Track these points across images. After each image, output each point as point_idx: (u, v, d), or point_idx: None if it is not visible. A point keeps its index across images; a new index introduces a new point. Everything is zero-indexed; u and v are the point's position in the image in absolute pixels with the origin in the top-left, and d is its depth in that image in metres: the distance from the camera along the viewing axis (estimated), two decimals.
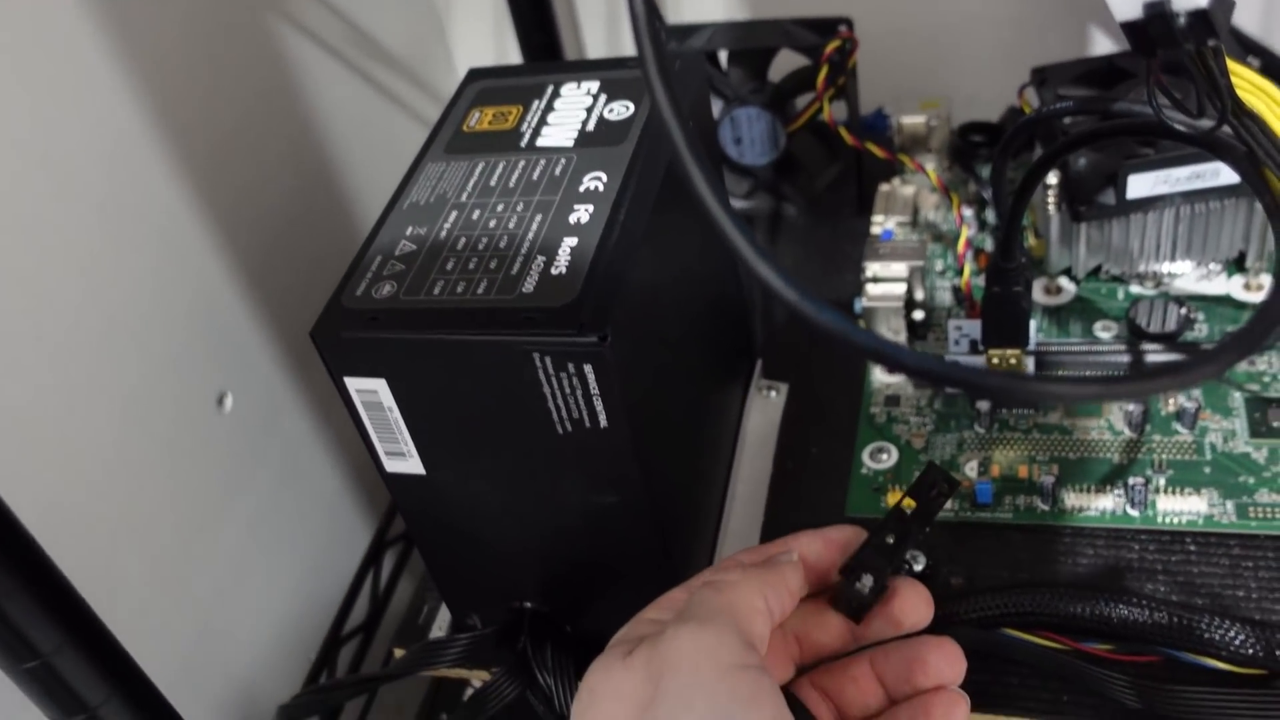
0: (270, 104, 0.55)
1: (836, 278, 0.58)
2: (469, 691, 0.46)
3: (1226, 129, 0.29)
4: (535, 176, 0.39)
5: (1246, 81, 0.31)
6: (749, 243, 0.24)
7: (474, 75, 0.46)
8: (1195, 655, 0.40)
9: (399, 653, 0.47)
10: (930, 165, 0.58)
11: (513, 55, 0.71)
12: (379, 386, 0.36)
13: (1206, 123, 0.29)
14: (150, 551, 0.47)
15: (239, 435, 0.54)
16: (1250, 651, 0.39)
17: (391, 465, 0.39)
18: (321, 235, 0.59)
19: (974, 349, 0.49)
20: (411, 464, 0.38)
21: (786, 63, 0.59)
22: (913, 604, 0.35)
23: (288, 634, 0.56)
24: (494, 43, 0.74)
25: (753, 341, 0.55)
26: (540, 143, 0.41)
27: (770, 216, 0.63)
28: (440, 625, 0.48)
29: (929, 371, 0.22)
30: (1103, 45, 0.65)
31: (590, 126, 0.41)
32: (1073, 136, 0.41)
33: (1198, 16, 0.28)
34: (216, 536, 0.52)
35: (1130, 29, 0.30)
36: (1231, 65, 0.29)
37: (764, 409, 0.52)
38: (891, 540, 0.35)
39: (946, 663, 0.34)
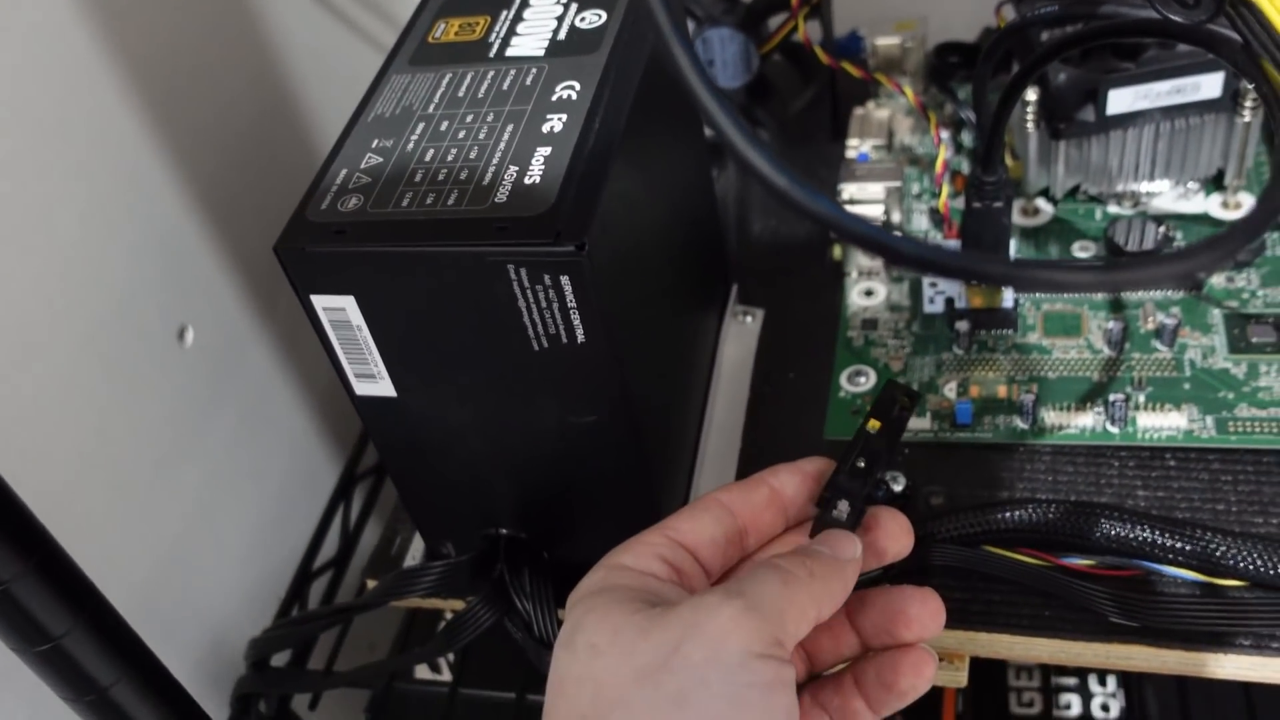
0: (226, 28, 0.53)
1: None
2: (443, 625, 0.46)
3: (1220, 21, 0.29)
4: (505, 86, 0.38)
5: None
6: (737, 128, 0.22)
7: None
8: (1175, 568, 0.40)
9: (372, 585, 0.47)
10: (906, 87, 0.57)
11: None
12: (347, 304, 0.35)
13: (1201, 14, 0.28)
14: (113, 488, 0.46)
15: (201, 369, 0.52)
16: (1230, 563, 0.39)
17: (361, 388, 0.38)
18: (282, 164, 0.57)
19: None
20: (382, 386, 0.37)
21: None
22: (894, 534, 0.34)
23: (256, 571, 0.55)
24: None
25: (728, 267, 0.54)
26: (510, 52, 0.39)
27: None
28: (414, 556, 0.47)
29: (926, 260, 0.22)
30: None
31: (561, 35, 0.39)
32: (1059, 40, 0.40)
33: None
34: (181, 472, 0.50)
35: None
36: None
37: (740, 335, 0.52)
38: (863, 464, 0.34)
39: (929, 614, 0.33)
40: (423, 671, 0.54)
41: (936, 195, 0.53)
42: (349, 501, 0.56)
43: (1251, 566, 0.38)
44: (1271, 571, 0.38)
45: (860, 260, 0.53)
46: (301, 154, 0.59)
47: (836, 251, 0.53)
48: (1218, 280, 0.48)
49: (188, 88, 0.50)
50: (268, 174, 0.56)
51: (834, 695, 0.33)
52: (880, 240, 0.21)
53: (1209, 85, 0.47)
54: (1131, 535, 0.39)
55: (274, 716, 0.49)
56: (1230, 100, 0.47)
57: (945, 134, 0.56)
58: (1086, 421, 0.44)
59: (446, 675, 0.53)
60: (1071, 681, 0.58)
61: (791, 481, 0.35)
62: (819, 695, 0.33)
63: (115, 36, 0.45)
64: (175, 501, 0.50)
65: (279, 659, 0.50)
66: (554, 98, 0.37)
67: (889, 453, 0.35)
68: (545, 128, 0.36)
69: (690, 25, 0.58)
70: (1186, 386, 0.45)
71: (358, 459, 0.58)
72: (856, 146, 0.57)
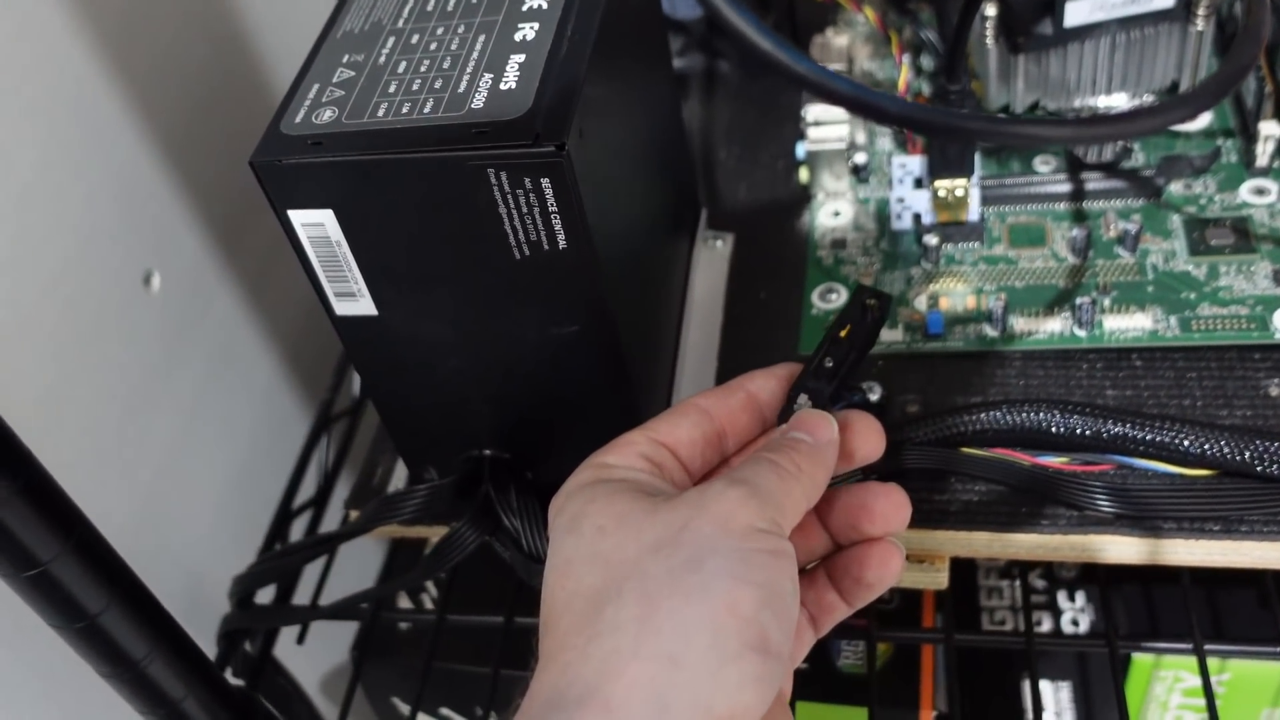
0: None
1: (775, 130, 0.58)
2: (430, 547, 0.46)
3: None
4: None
5: None
6: None
7: None
8: (1146, 461, 0.41)
9: (355, 516, 0.47)
10: (866, 8, 0.57)
11: None
12: (326, 218, 0.35)
13: None
14: (82, 434, 0.46)
15: (169, 315, 0.52)
16: (1198, 453, 0.40)
17: (341, 308, 0.38)
18: (242, 106, 0.57)
19: (918, 186, 0.49)
20: (363, 304, 0.37)
21: None
22: (865, 436, 0.35)
23: (235, 514, 0.54)
24: None
25: (697, 193, 0.54)
26: None
27: (704, 73, 0.62)
28: (396, 485, 0.47)
29: (909, 117, 0.22)
30: None
31: None
32: None
33: None
34: (152, 418, 0.50)
35: None
36: None
37: (711, 259, 0.52)
38: (830, 364, 0.35)
39: (893, 508, 0.34)
40: (407, 605, 0.54)
41: None
42: (327, 443, 0.56)
43: (1219, 455, 0.40)
44: (1237, 459, 0.39)
45: (827, 182, 0.53)
46: (264, 93, 0.58)
47: (803, 175, 0.54)
48: (1176, 188, 0.49)
49: (141, 19, 0.49)
50: (230, 115, 0.55)
51: (809, 589, 0.34)
52: (864, 99, 0.22)
53: None
54: (1104, 430, 0.40)
55: (258, 656, 0.49)
56: (1183, 10, 0.48)
57: (906, 57, 0.56)
58: (1055, 326, 0.45)
59: (432, 609, 0.53)
60: (1043, 599, 0.59)
61: (767, 385, 0.35)
62: None
63: None
64: (147, 447, 0.49)
65: (264, 598, 0.50)
66: (524, 8, 0.37)
67: (860, 352, 0.36)
68: (517, 36, 0.36)
69: None
70: (1150, 289, 0.46)
71: (333, 400, 0.57)
72: None
